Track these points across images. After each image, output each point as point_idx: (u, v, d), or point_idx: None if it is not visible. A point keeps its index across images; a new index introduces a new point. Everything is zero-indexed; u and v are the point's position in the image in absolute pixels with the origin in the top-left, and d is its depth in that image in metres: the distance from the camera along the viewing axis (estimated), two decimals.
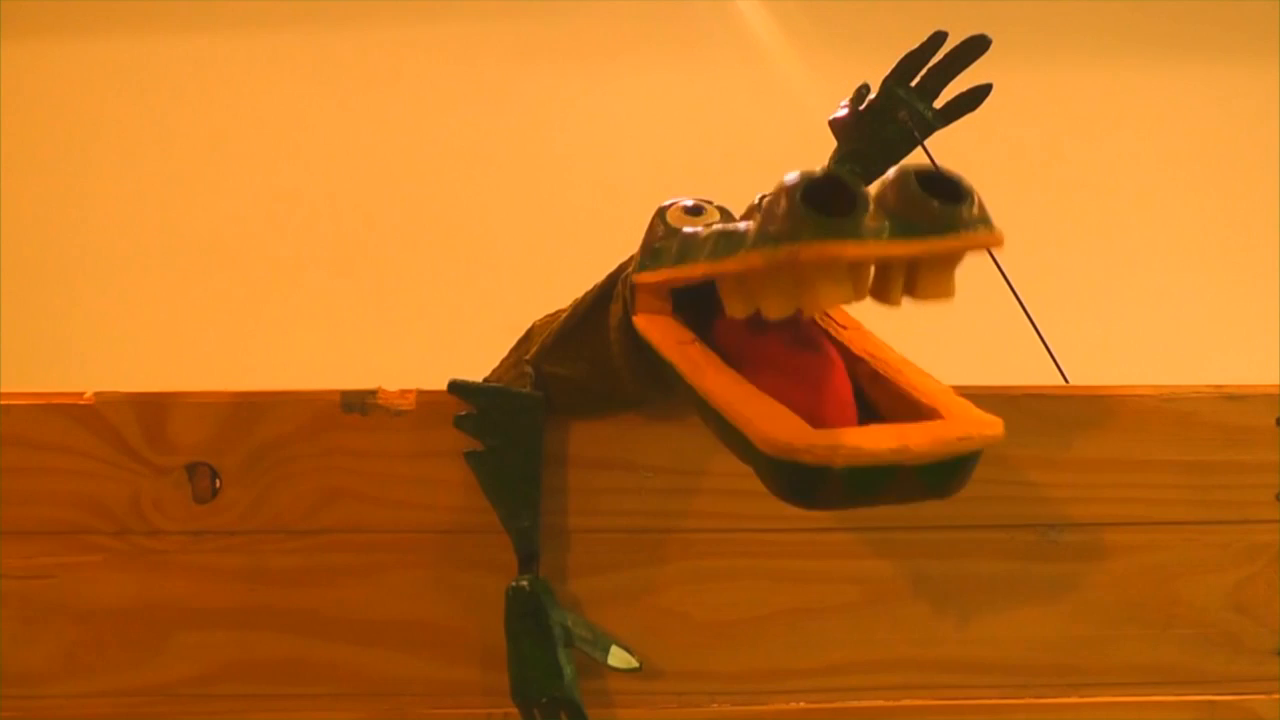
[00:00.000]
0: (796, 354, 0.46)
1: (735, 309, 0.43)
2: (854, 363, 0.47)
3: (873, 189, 0.38)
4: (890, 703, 0.60)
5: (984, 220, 0.39)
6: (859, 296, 0.40)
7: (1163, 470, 0.60)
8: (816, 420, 0.41)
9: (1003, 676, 0.60)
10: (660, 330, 0.49)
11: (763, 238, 0.38)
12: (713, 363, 0.45)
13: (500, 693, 0.57)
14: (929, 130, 0.59)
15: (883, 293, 0.41)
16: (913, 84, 0.59)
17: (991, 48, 0.59)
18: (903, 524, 0.59)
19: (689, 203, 0.50)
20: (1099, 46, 1.58)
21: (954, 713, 0.60)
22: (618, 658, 0.58)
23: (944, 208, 0.38)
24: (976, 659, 0.60)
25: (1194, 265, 1.56)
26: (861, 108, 0.59)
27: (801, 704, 0.60)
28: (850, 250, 0.37)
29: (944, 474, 0.40)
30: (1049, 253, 1.48)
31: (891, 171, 0.39)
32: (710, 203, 0.50)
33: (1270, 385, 0.60)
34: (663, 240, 0.49)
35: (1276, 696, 0.61)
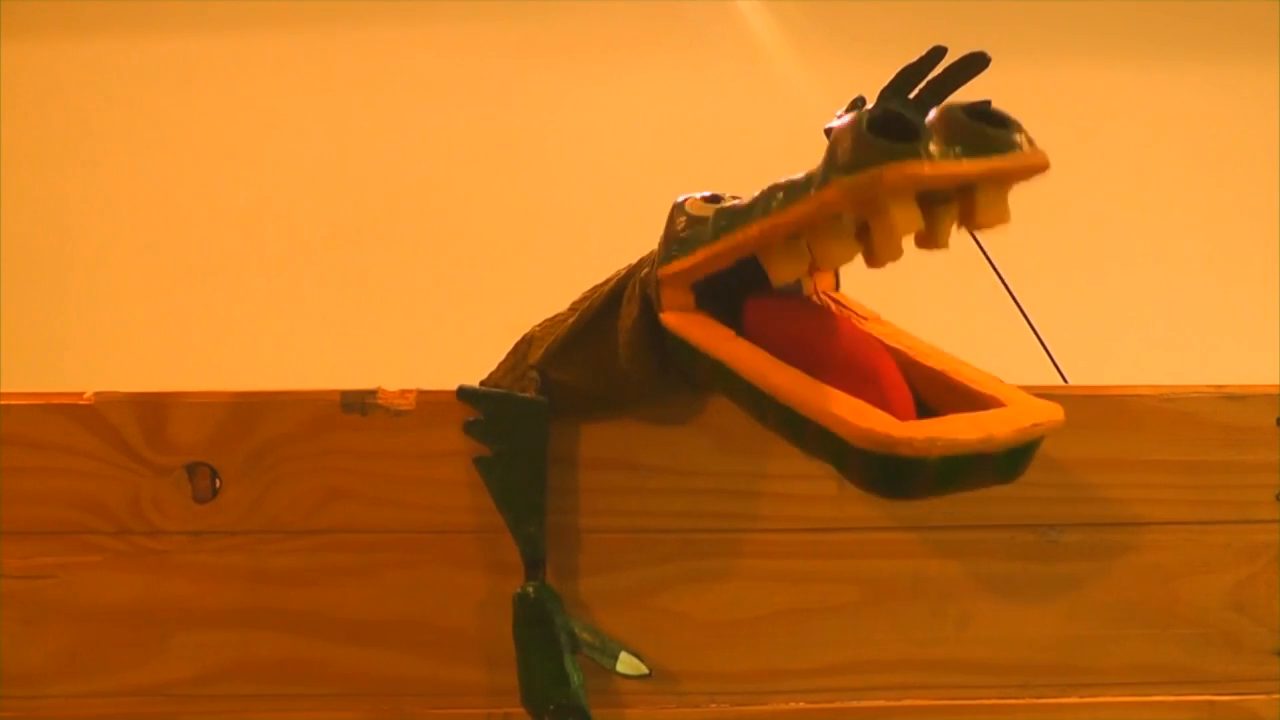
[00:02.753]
0: (842, 347, 0.47)
1: (784, 272, 0.44)
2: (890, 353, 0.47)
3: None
4: (890, 703, 0.60)
5: (1033, 143, 0.41)
6: (923, 228, 0.41)
7: (1163, 470, 0.60)
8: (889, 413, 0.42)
9: (1003, 676, 0.60)
10: (700, 328, 0.49)
11: (836, 169, 0.39)
12: (768, 359, 0.45)
13: (500, 693, 0.57)
14: None
15: (933, 234, 0.42)
16: (910, 97, 0.59)
17: (990, 47, 0.58)
18: (903, 524, 0.59)
19: (706, 193, 0.50)
20: (1099, 46, 1.58)
21: (954, 713, 0.60)
22: (627, 664, 0.58)
23: (998, 131, 0.40)
24: (976, 659, 0.60)
25: (1194, 265, 1.56)
26: None
27: (801, 704, 0.60)
28: (928, 169, 0.38)
29: (1018, 460, 0.41)
30: (1049, 252, 1.48)
31: (934, 112, 0.41)
32: (725, 195, 0.50)
33: (1270, 385, 0.60)
34: (688, 228, 0.49)
35: (1276, 696, 0.61)
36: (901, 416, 0.41)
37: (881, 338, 0.48)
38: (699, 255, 0.48)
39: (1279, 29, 1.56)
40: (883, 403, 0.43)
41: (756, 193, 0.45)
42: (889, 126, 0.40)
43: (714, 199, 0.50)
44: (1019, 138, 0.41)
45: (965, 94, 0.60)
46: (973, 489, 0.41)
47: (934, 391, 0.46)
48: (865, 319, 0.50)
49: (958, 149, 0.39)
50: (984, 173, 0.40)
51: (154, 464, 0.57)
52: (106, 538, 0.58)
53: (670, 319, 0.50)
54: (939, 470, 0.40)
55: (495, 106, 1.56)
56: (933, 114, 0.41)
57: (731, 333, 0.48)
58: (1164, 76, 1.59)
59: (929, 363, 0.46)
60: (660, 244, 0.51)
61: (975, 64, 0.59)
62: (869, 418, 0.40)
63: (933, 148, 0.39)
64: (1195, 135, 1.58)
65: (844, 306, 0.51)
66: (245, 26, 1.54)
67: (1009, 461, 0.41)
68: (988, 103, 0.41)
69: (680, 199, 0.51)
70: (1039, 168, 0.41)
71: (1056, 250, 1.49)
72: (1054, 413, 0.42)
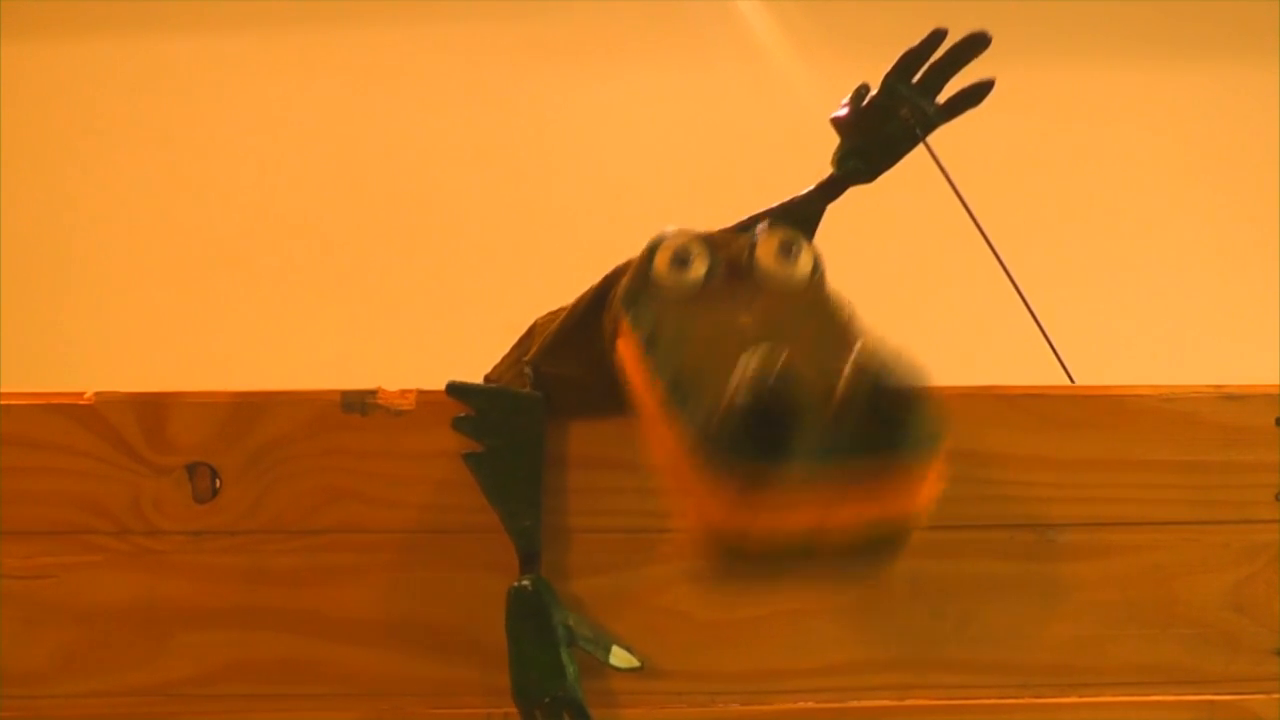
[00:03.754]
0: None
1: None
2: None
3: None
4: (890, 703, 0.60)
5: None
6: None
7: (1162, 470, 0.60)
8: None
9: (1003, 676, 0.60)
10: (633, 367, 0.48)
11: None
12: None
13: (500, 693, 0.57)
14: (931, 126, 0.59)
15: None
16: (914, 80, 0.59)
17: (990, 47, 0.58)
18: None
19: (677, 251, 0.48)
20: (1099, 46, 1.58)
21: (954, 713, 0.60)
22: (619, 657, 0.58)
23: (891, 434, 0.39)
24: (976, 659, 0.60)
25: (1194, 265, 1.56)
26: (863, 105, 0.59)
27: (801, 704, 0.60)
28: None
29: (867, 551, 0.41)
30: (1048, 252, 1.48)
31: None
32: (702, 241, 0.49)
33: (1270, 385, 0.60)
34: (644, 295, 0.48)
35: (1276, 696, 0.61)
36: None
37: None
38: (642, 333, 0.47)
39: (1279, 29, 1.56)
40: None
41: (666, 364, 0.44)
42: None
43: (682, 261, 0.48)
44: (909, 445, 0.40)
45: (966, 87, 0.60)
46: (824, 566, 0.41)
47: None
48: None
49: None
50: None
51: (154, 464, 0.57)
52: (106, 538, 0.58)
53: (620, 348, 0.49)
54: (766, 550, 0.40)
55: (495, 106, 1.56)
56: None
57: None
58: (1164, 76, 1.58)
59: None
60: (627, 277, 0.50)
61: (977, 44, 0.59)
62: (705, 501, 0.40)
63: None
64: (1195, 135, 1.58)
65: None
66: (245, 26, 1.54)
67: (850, 552, 0.41)
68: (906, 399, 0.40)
69: (654, 242, 0.49)
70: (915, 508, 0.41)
71: (1056, 250, 1.49)
72: (915, 505, 0.41)
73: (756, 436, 0.38)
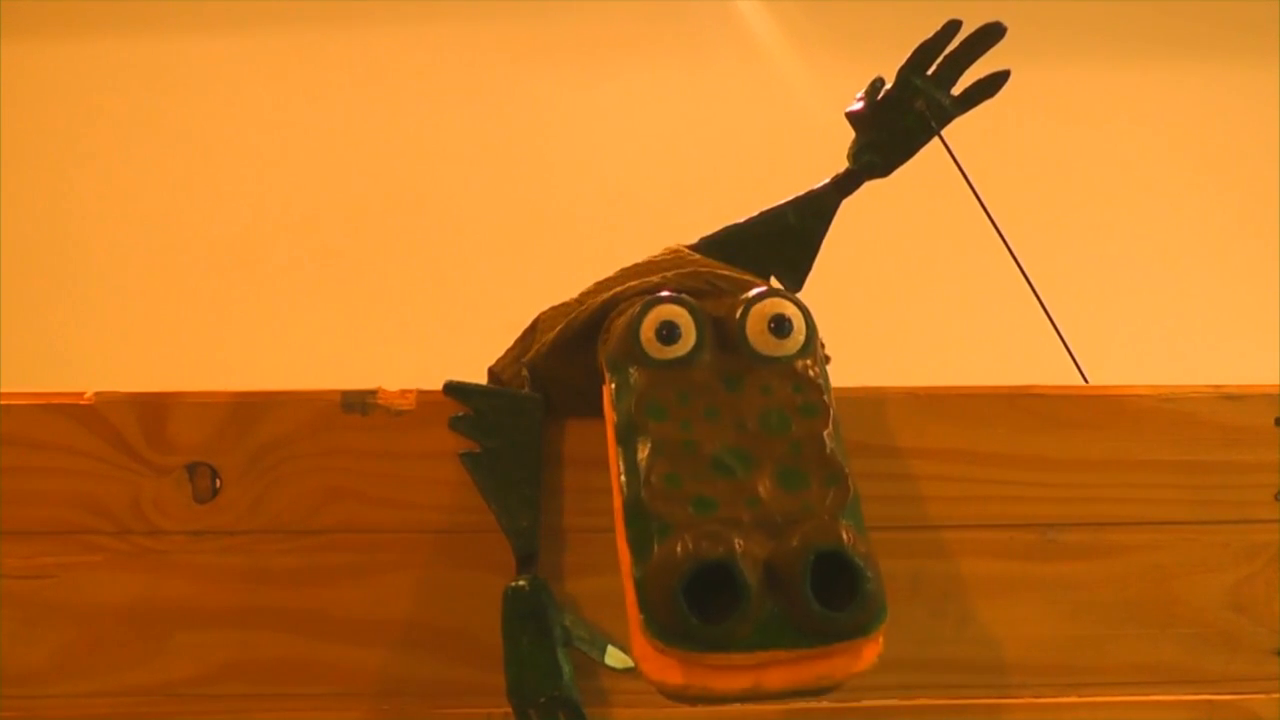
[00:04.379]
0: None
1: None
2: None
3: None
4: (890, 702, 0.60)
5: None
6: None
7: (1162, 470, 0.60)
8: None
9: (1003, 676, 0.60)
10: (609, 443, 0.49)
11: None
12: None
13: (500, 693, 0.57)
14: (947, 118, 0.59)
15: None
16: (929, 73, 0.59)
17: (990, 48, 0.59)
18: (903, 524, 0.59)
19: (663, 324, 0.48)
20: (1100, 47, 1.58)
21: (954, 712, 0.60)
22: (614, 658, 0.58)
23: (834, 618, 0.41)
24: (976, 659, 0.60)
25: (1194, 265, 1.56)
26: (878, 99, 0.59)
27: (801, 704, 0.59)
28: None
29: (804, 696, 0.43)
30: (1048, 252, 1.48)
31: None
32: (691, 313, 0.49)
33: (1270, 385, 0.60)
34: (629, 361, 0.48)
35: (1276, 696, 0.61)
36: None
37: None
38: (619, 415, 0.48)
39: (1279, 29, 1.56)
40: None
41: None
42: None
43: (670, 337, 0.48)
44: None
45: (982, 78, 0.60)
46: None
47: None
48: None
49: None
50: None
51: (154, 464, 0.57)
52: (106, 538, 0.58)
53: (606, 393, 0.50)
54: (704, 700, 0.42)
55: (495, 107, 1.56)
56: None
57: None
58: (1164, 76, 1.59)
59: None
60: (613, 343, 0.50)
61: (991, 35, 0.58)
62: (645, 650, 0.42)
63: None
64: (1195, 135, 1.58)
65: None
66: (246, 27, 1.54)
67: (787, 698, 0.43)
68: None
69: (644, 307, 0.49)
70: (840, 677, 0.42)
71: (1056, 250, 1.49)
72: (856, 663, 0.42)
73: (694, 617, 0.40)
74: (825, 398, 0.47)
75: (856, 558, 0.41)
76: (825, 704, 0.60)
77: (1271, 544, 0.60)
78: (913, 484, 0.59)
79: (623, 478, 0.46)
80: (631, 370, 0.48)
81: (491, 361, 0.61)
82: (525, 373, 0.57)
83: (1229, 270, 1.55)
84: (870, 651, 0.42)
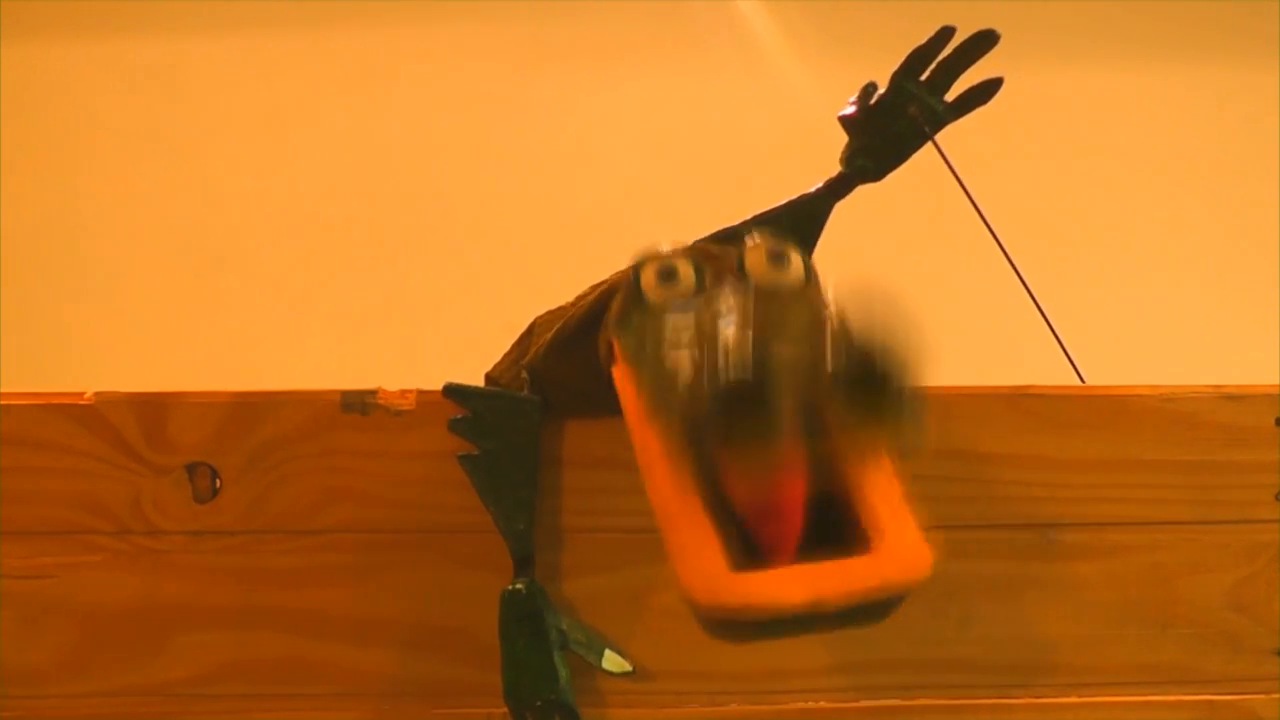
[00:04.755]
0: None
1: None
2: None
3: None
4: (890, 702, 0.60)
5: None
6: None
7: (1162, 470, 0.60)
8: (755, 533, 0.41)
9: (1003, 676, 0.60)
10: (630, 398, 0.48)
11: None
12: (666, 456, 0.44)
13: (499, 693, 0.57)
14: (940, 124, 0.59)
15: None
16: (922, 78, 0.59)
17: (983, 55, 0.59)
18: None
19: (662, 265, 0.48)
20: (1099, 47, 1.58)
21: (954, 713, 0.60)
22: (611, 661, 0.58)
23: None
24: (976, 659, 0.60)
25: (1194, 265, 1.56)
26: (871, 103, 0.59)
27: (801, 704, 0.60)
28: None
29: (863, 617, 0.41)
30: (1048, 252, 1.48)
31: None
32: (686, 254, 0.48)
33: (1270, 385, 0.60)
34: (634, 313, 0.47)
35: (1276, 696, 0.61)
36: (771, 545, 0.41)
37: None
38: (630, 351, 0.47)
39: (1279, 29, 1.56)
40: (756, 521, 0.42)
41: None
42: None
43: (669, 275, 0.47)
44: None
45: (975, 85, 0.60)
46: (824, 632, 0.41)
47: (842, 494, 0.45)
48: None
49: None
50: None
51: (154, 464, 0.57)
52: (106, 538, 0.58)
53: (616, 374, 0.49)
54: (758, 630, 0.40)
55: (496, 107, 1.56)
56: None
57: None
58: (1164, 77, 1.59)
59: (846, 478, 0.44)
60: (617, 300, 0.49)
61: (984, 42, 0.59)
62: (696, 568, 0.40)
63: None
64: (1195, 135, 1.58)
65: None
66: (246, 27, 1.54)
67: (854, 618, 0.41)
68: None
69: (639, 262, 0.48)
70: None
71: (1055, 250, 1.49)
72: (914, 569, 0.41)
73: (738, 416, 0.38)
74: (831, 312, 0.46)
75: (886, 355, 0.39)
76: (825, 704, 0.60)
77: (1272, 544, 0.60)
78: (912, 484, 0.59)
79: (641, 379, 0.45)
80: (637, 316, 0.47)
81: (490, 359, 0.61)
82: (524, 375, 0.57)
83: (1229, 270, 1.55)
84: (922, 556, 0.41)
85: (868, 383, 0.39)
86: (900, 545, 0.41)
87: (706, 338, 0.41)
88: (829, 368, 0.39)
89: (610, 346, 0.50)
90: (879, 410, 0.39)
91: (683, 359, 0.41)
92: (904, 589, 0.41)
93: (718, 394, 0.38)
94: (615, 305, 0.50)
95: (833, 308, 0.45)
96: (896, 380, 0.39)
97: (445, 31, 1.57)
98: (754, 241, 0.48)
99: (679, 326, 0.44)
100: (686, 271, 0.47)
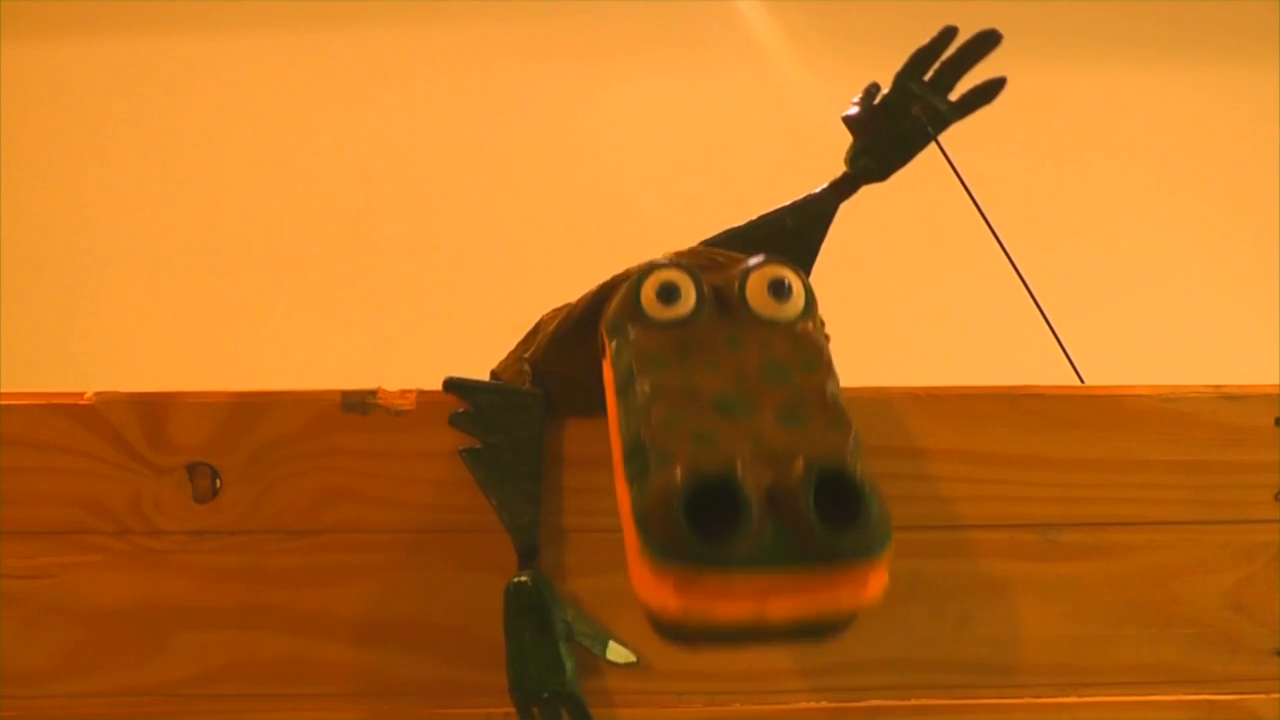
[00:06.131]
0: None
1: None
2: None
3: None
4: (890, 702, 0.60)
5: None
6: None
7: (1162, 470, 0.60)
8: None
9: (1003, 676, 0.60)
10: (610, 401, 0.48)
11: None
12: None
13: (500, 692, 0.57)
14: (943, 124, 0.59)
15: None
16: (925, 78, 0.59)
17: (986, 55, 0.59)
18: (903, 524, 0.59)
19: (664, 283, 0.48)
20: (1099, 47, 1.58)
21: (954, 713, 0.60)
22: (615, 652, 0.58)
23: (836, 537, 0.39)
24: (976, 659, 0.60)
25: (1194, 265, 1.56)
26: (875, 103, 0.59)
27: (801, 703, 0.60)
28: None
29: (811, 634, 0.41)
30: (1047, 252, 1.48)
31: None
32: (690, 275, 0.48)
33: (1270, 385, 0.60)
34: (628, 324, 0.48)
35: (1276, 696, 0.61)
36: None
37: None
38: (618, 372, 0.47)
39: (1279, 29, 1.56)
40: None
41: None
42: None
43: (670, 294, 0.48)
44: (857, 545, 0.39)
45: (978, 85, 0.60)
46: (774, 644, 0.42)
47: None
48: None
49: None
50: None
51: (154, 464, 0.57)
52: (106, 538, 0.58)
53: (605, 368, 0.49)
54: (701, 636, 0.40)
55: (496, 107, 1.56)
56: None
57: None
58: (1164, 76, 1.58)
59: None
60: (612, 308, 0.50)
61: (987, 42, 0.59)
62: (641, 577, 0.40)
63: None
64: (1195, 135, 1.58)
65: None
66: (246, 27, 1.54)
67: (793, 635, 0.41)
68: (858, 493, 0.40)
69: (641, 274, 0.48)
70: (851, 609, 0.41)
71: (1055, 250, 1.49)
72: (863, 596, 0.41)
73: (694, 533, 0.39)
74: (825, 356, 0.47)
75: (860, 479, 0.40)
76: (825, 704, 0.60)
77: (1271, 544, 0.60)
78: (913, 484, 0.59)
79: (622, 422, 0.45)
80: (631, 330, 0.47)
81: (491, 359, 0.61)
82: (526, 368, 0.57)
83: (1229, 270, 1.55)
84: (876, 582, 0.41)
85: (834, 506, 0.40)
86: (856, 565, 0.41)
87: (690, 404, 0.42)
88: (793, 491, 0.39)
89: (602, 344, 0.50)
90: (843, 539, 0.39)
91: (660, 425, 0.42)
92: (852, 613, 0.41)
93: (672, 512, 0.39)
94: (614, 302, 0.50)
95: (822, 355, 0.45)
96: (863, 501, 0.40)
97: (445, 31, 1.57)
98: (757, 269, 0.48)
99: (667, 370, 0.44)
100: (688, 292, 0.48)
